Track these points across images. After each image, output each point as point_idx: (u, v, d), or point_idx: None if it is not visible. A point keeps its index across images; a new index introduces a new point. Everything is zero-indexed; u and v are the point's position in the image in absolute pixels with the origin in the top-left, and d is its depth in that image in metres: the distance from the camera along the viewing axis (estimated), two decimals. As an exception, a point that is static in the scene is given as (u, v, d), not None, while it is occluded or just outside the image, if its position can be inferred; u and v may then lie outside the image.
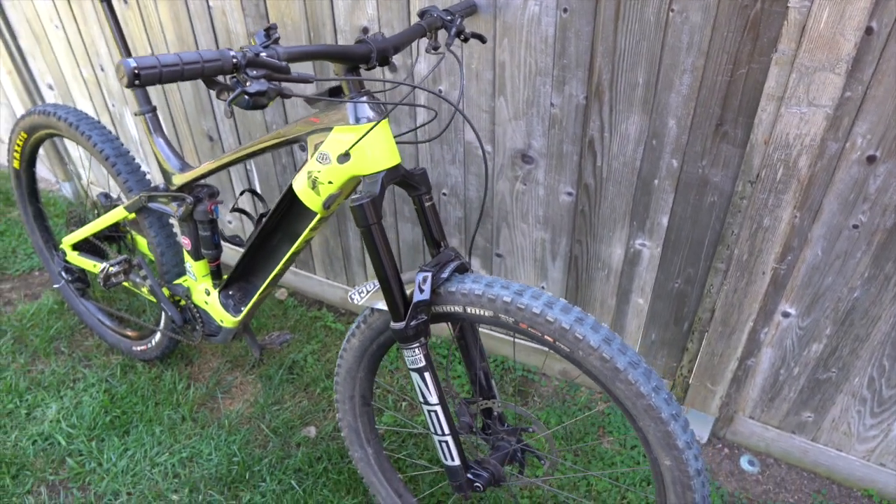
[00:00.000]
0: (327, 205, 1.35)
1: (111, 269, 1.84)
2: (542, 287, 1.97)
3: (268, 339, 1.88)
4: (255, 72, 1.00)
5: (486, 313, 1.26)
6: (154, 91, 2.31)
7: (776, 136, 1.38)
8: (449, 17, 1.40)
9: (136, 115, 1.69)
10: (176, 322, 1.83)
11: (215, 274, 1.75)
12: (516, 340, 2.14)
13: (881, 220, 1.42)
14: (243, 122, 2.12)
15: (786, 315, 1.65)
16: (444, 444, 1.38)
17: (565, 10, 1.47)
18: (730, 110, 1.44)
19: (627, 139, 1.57)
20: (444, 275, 1.29)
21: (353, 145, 1.21)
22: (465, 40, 1.44)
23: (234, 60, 0.98)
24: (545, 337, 1.22)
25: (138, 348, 2.14)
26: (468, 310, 1.28)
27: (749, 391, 1.83)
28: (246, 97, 1.02)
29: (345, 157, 1.24)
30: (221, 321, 1.75)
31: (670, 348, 1.88)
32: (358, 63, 1.20)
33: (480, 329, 1.82)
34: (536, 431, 1.44)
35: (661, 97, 1.48)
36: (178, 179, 1.64)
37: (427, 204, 1.35)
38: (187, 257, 1.75)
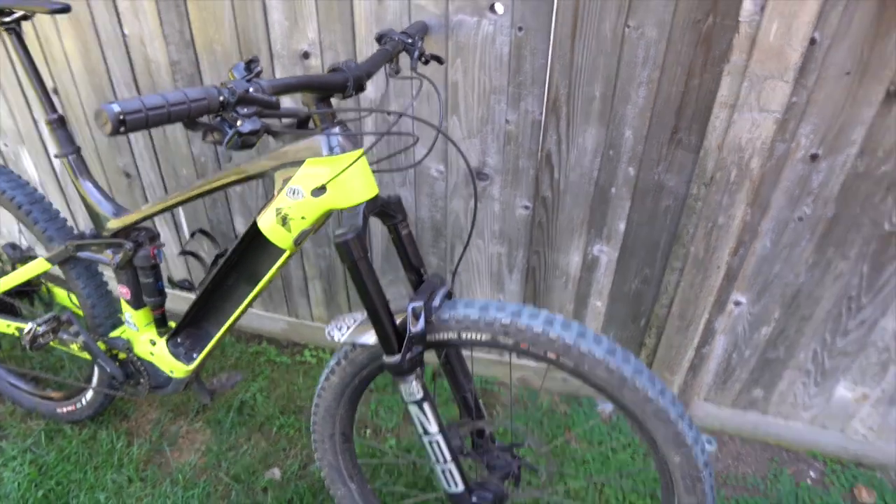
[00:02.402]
0: (298, 241, 1.28)
1: (38, 328, 1.64)
2: (500, 299, 1.98)
3: (217, 383, 1.76)
4: (245, 109, 0.93)
5: (484, 337, 1.24)
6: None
7: (729, 140, 1.45)
8: (409, 40, 1.36)
9: (57, 157, 1.51)
10: (117, 378, 1.67)
11: (160, 322, 1.61)
12: (473, 355, 2.13)
13: (823, 210, 1.54)
14: (166, 156, 1.96)
15: (737, 304, 1.76)
16: (447, 473, 1.35)
17: (520, 29, 1.47)
18: (684, 119, 1.50)
19: (585, 151, 1.61)
20: (436, 303, 1.26)
21: (333, 178, 1.15)
22: (426, 62, 1.41)
23: (222, 98, 0.90)
24: (548, 355, 1.22)
25: (64, 410, 1.93)
26: (463, 335, 1.25)
27: (704, 377, 1.94)
28: (237, 138, 0.94)
29: (320, 190, 1.18)
30: (171, 371, 1.61)
31: (628, 345, 1.95)
32: (335, 92, 1.14)
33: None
34: (532, 446, 1.44)
35: (618, 109, 1.52)
36: (114, 224, 1.49)
37: (404, 232, 1.32)
38: (126, 307, 1.60)
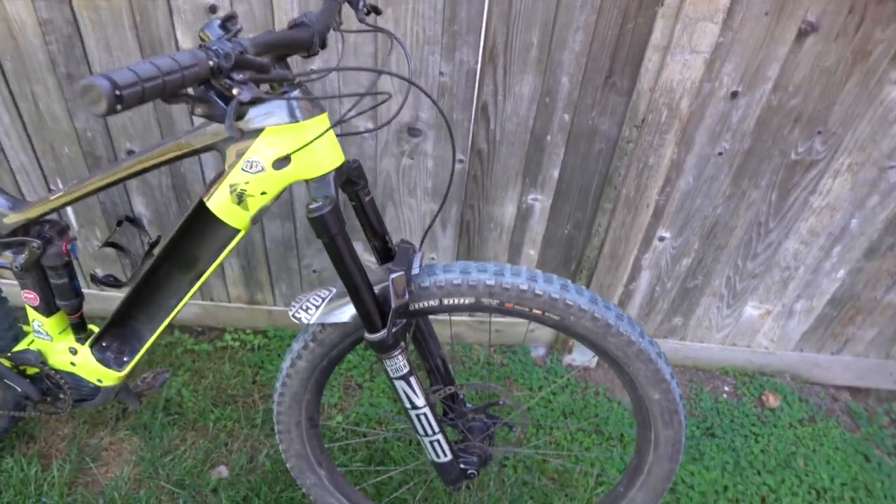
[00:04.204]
0: (256, 219, 1.16)
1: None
2: (433, 259, 1.94)
3: (143, 384, 1.58)
4: (240, 75, 0.80)
5: (467, 301, 1.21)
6: None
7: (661, 82, 1.50)
8: None
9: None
10: (31, 398, 1.44)
11: (79, 327, 1.41)
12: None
13: (740, 145, 1.65)
14: (40, 133, 1.68)
15: (661, 239, 1.86)
16: (435, 444, 1.32)
17: (456, -26, 1.41)
18: (618, 62, 1.52)
19: (521, 100, 1.59)
20: (416, 271, 1.21)
21: (301, 147, 1.04)
22: (368, 13, 1.30)
23: (212, 63, 0.77)
24: (533, 311, 1.21)
25: (-51, 441, 1.65)
26: (445, 301, 1.21)
27: (630, 311, 2.04)
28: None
29: (283, 161, 1.06)
30: (100, 381, 1.42)
31: (559, 290, 2.00)
32: (301, 50, 1.03)
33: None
34: (507, 403, 1.44)
35: (555, 56, 1.52)
36: (12, 219, 1.27)
37: (366, 199, 1.24)
38: (34, 315, 1.37)
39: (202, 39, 0.84)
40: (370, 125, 1.65)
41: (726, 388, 2.13)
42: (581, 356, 2.14)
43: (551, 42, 1.49)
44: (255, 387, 1.93)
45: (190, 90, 0.81)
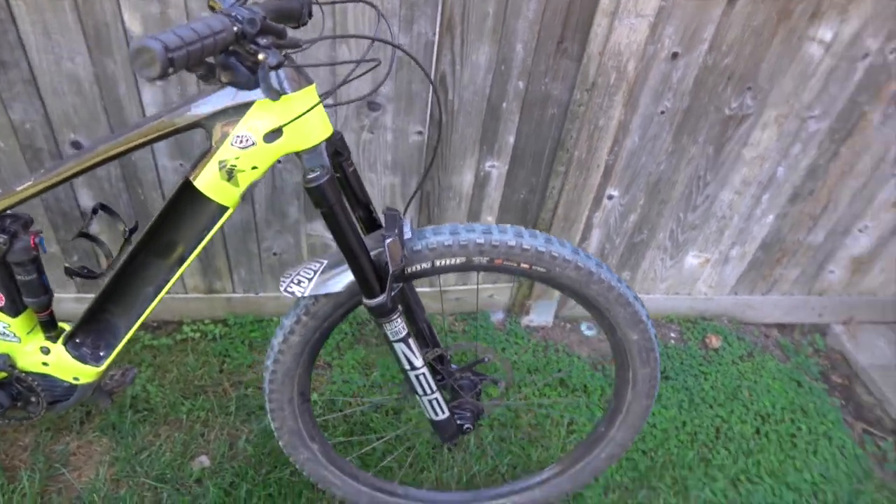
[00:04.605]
0: (246, 195, 1.16)
1: None
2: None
3: (112, 382, 1.53)
4: (265, 40, 0.80)
5: (458, 260, 1.26)
6: None
7: (610, 46, 1.59)
8: None
9: None
10: (2, 405, 1.37)
11: (48, 325, 1.34)
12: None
13: (680, 103, 1.76)
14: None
15: (610, 198, 1.96)
16: (433, 402, 1.37)
17: (413, -56, 1.43)
18: (569, 29, 1.60)
19: (478, 69, 1.63)
20: (408, 235, 1.24)
21: (294, 119, 1.05)
22: (333, -16, 1.30)
23: (237, 29, 0.77)
24: (521, 266, 1.27)
25: None
26: (437, 263, 1.26)
27: (583, 270, 2.14)
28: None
29: (275, 134, 1.07)
30: (76, 378, 1.36)
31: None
32: (292, 21, 1.03)
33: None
34: (492, 359, 1.50)
35: (510, 24, 1.57)
36: (-30, 214, 1.20)
37: (350, 169, 1.26)
38: (-1, 317, 1.30)
39: (212, 8, 0.84)
40: (329, 101, 1.65)
41: (673, 335, 2.28)
42: (538, 317, 2.23)
43: (506, 11, 1.54)
44: (223, 375, 1.89)
45: (210, 59, 0.81)
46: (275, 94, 0.89)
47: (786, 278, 2.28)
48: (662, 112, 1.77)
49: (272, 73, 1.02)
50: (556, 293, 2.15)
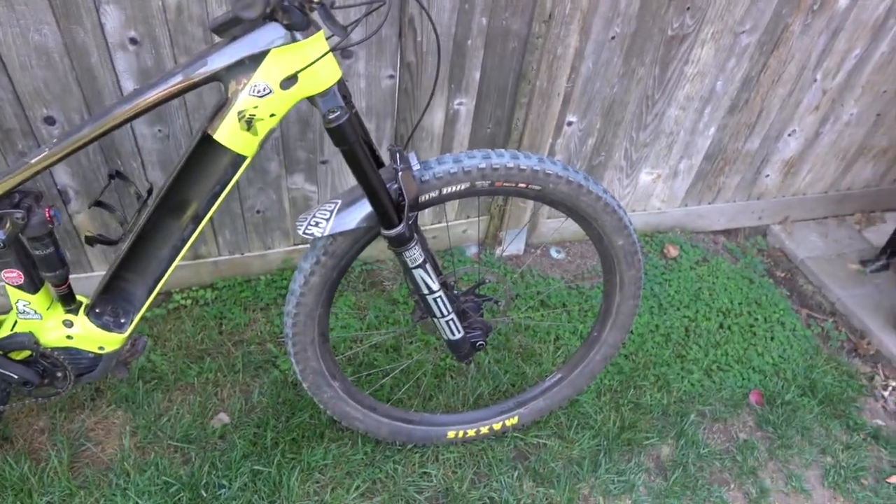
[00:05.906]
0: (264, 142, 1.21)
1: None
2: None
3: (126, 353, 1.55)
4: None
5: (462, 187, 1.35)
6: None
7: (565, -24, 1.68)
8: None
9: None
10: (32, 383, 1.37)
11: (68, 298, 1.35)
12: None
13: (628, 28, 1.89)
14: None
15: (570, 124, 2.08)
16: (450, 323, 1.47)
17: None
18: (526, -38, 1.68)
19: (444, 9, 1.70)
20: (416, 166, 1.31)
21: (312, 63, 1.10)
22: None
23: None
24: (518, 186, 1.38)
25: None
26: (444, 191, 1.34)
27: (549, 198, 2.27)
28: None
29: (290, 80, 1.12)
30: (101, 347, 1.39)
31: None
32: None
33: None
34: (493, 280, 1.61)
35: (472, -38, 1.64)
36: (-15, 193, 1.19)
37: (353, 111, 1.31)
38: (18, 295, 1.30)
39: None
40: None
41: (634, 249, 2.46)
42: (510, 246, 2.35)
43: (467, -51, 1.61)
44: (224, 337, 1.93)
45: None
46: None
47: (728, 186, 2.49)
48: (613, 37, 1.90)
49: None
50: (525, 221, 2.28)
